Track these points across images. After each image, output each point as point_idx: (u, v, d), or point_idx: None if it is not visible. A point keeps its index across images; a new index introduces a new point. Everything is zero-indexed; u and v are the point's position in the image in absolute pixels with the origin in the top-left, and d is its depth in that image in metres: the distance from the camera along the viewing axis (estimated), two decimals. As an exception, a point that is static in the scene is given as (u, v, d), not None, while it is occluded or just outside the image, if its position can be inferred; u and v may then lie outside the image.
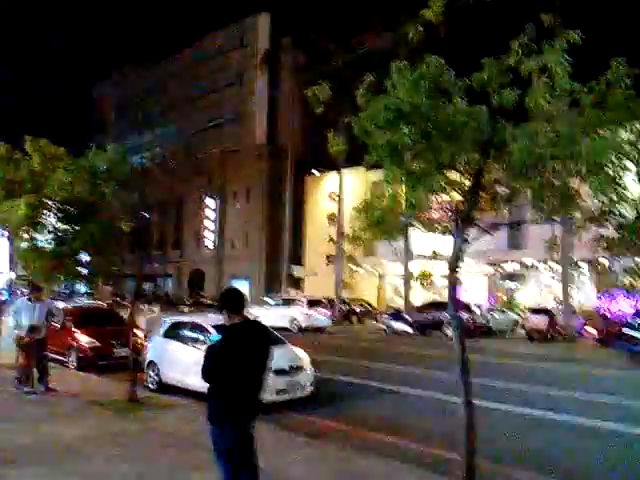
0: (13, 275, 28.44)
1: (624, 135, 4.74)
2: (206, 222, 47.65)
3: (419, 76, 4.55)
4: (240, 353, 3.84)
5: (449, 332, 20.24)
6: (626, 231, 4.68)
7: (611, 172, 4.73)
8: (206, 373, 3.88)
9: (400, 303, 29.33)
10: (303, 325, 23.80)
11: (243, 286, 43.53)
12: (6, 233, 16.78)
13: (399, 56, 5.54)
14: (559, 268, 23.72)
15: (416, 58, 5.04)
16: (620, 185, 4.76)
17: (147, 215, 51.90)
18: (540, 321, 21.50)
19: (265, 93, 44.31)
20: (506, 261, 29.01)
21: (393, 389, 10.91)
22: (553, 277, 26.88)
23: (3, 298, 12.85)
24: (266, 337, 4.20)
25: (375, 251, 32.47)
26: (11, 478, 5.16)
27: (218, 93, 52.14)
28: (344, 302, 30.67)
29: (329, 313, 25.77)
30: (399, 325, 24.31)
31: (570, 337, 21.50)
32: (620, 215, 4.74)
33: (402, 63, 4.69)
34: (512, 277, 29.97)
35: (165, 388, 9.90)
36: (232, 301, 4.01)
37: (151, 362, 10.51)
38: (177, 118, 56.70)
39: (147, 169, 50.31)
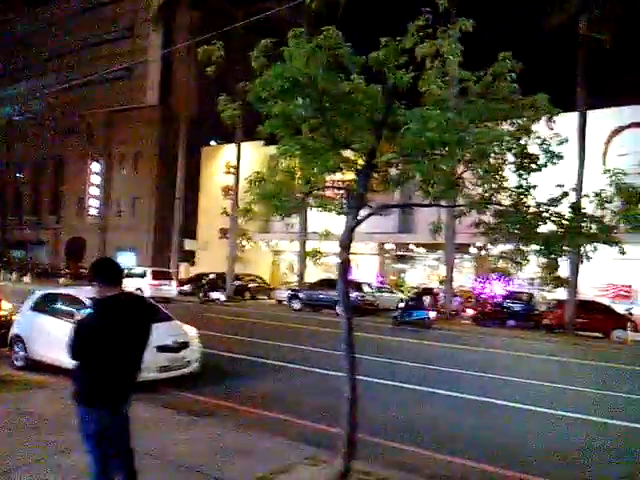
0: None
1: (506, 127, 5.01)
2: (89, 187, 44.34)
3: (315, 46, 4.42)
4: (113, 328, 3.53)
5: (340, 310, 20.87)
6: (503, 218, 4.96)
7: (493, 161, 4.99)
8: (73, 349, 3.53)
9: (294, 280, 29.64)
10: (148, 295, 23.26)
11: (129, 258, 41.40)
12: None
13: (298, 25, 5.38)
14: (443, 252, 25.26)
15: (315, 29, 4.92)
16: (500, 174, 5.04)
17: (18, 174, 47.39)
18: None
19: (158, 51, 41.64)
20: (397, 243, 30.39)
21: (282, 365, 10.98)
22: (438, 259, 28.66)
23: None
24: (146, 312, 3.92)
25: (271, 228, 32.40)
26: None
27: (107, 45, 48.12)
28: (237, 277, 30.33)
29: (174, 285, 27.22)
30: (293, 302, 24.89)
31: (449, 315, 23.09)
32: (499, 203, 5.02)
33: (299, 30, 4.53)
34: (401, 259, 31.53)
35: (33, 365, 9.12)
36: (105, 272, 3.68)
37: (18, 337, 9.62)
38: (60, 69, 51.67)
39: (19, 122, 45.59)
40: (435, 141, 4.45)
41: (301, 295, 24.99)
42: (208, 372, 9.55)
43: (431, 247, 28.06)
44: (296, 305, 24.75)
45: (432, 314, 19.87)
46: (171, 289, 26.39)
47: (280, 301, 27.19)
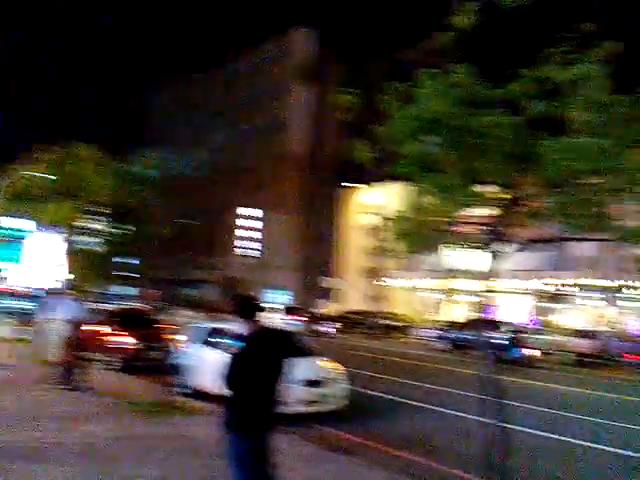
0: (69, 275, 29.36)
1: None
2: (242, 231, 48.27)
3: (449, 85, 4.48)
4: (255, 361, 3.82)
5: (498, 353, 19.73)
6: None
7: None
8: (225, 379, 3.88)
9: (436, 318, 28.85)
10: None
11: (279, 295, 43.80)
12: (59, 233, 17.48)
13: (431, 65, 5.48)
14: (603, 290, 22.79)
15: (447, 67, 4.97)
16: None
17: (190, 222, 53.18)
18: (586, 344, 20.67)
19: (305, 105, 44.75)
20: (550, 282, 28.10)
21: (424, 407, 10.67)
22: (602, 298, 25.85)
23: (45, 297, 13.34)
24: (284, 346, 4.16)
25: (411, 265, 32.12)
26: (41, 475, 5.27)
27: (260, 104, 52.98)
28: (375, 315, 30.39)
29: (301, 319, 30.00)
30: (436, 341, 24.18)
31: (610, 362, 20.55)
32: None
33: (433, 70, 4.63)
34: (555, 298, 29.01)
35: (197, 393, 9.98)
36: (245, 307, 4.01)
37: (184, 367, 10.62)
38: (218, 128, 57.85)
39: (188, 178, 51.46)
40: (583, 171, 4.19)
41: (445, 334, 24.16)
42: (352, 409, 9.61)
43: (588, 286, 25.43)
44: (440, 344, 23.96)
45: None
46: (299, 324, 28.67)
47: (423, 339, 26.54)
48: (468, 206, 5.08)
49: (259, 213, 47.94)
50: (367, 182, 34.93)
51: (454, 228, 5.62)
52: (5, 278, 26.43)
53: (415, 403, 10.97)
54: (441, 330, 25.27)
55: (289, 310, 31.45)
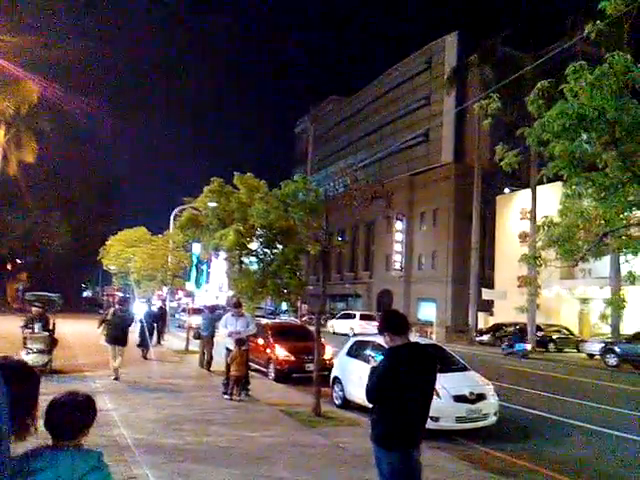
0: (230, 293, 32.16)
1: None
2: (394, 244, 48.29)
3: (600, 76, 4.10)
4: (401, 376, 3.80)
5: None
6: None
7: None
8: (368, 393, 3.93)
9: (607, 331, 25.92)
10: (357, 332, 29.78)
11: (430, 308, 42.92)
12: (223, 255, 19.44)
13: (584, 57, 5.07)
14: None
15: (601, 56, 4.56)
16: None
17: (339, 238, 54.90)
18: None
19: (452, 112, 43.77)
20: None
21: (591, 429, 9.66)
22: None
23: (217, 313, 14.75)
24: (431, 361, 4.10)
25: (576, 274, 29.37)
26: (208, 475, 5.82)
27: (406, 117, 53.14)
28: (539, 328, 28.17)
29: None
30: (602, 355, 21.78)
31: None
32: None
33: (578, 63, 4.28)
34: None
35: (349, 404, 10.22)
36: (394, 323, 4.02)
37: (336, 378, 10.95)
38: (368, 145, 59.12)
39: (335, 197, 53.26)
40: None
41: (617, 349, 21.54)
42: (505, 427, 9.08)
43: None
44: (612, 360, 21.42)
45: None
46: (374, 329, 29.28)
47: (591, 355, 23.98)
48: (633, 207, 4.56)
49: (412, 226, 47.69)
50: (523, 187, 32.93)
51: (618, 231, 5.08)
52: (194, 295, 29.78)
53: (576, 422, 9.98)
54: (608, 343, 22.67)
55: (364, 317, 33.73)
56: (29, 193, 39.43)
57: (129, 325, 12.65)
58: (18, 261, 51.71)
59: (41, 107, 31.39)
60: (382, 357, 4.15)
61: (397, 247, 48.25)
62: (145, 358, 16.26)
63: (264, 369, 14.18)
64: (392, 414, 3.81)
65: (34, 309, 12.25)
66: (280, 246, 17.98)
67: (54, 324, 12.06)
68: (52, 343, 11.68)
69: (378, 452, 3.89)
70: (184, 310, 35.11)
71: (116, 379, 11.59)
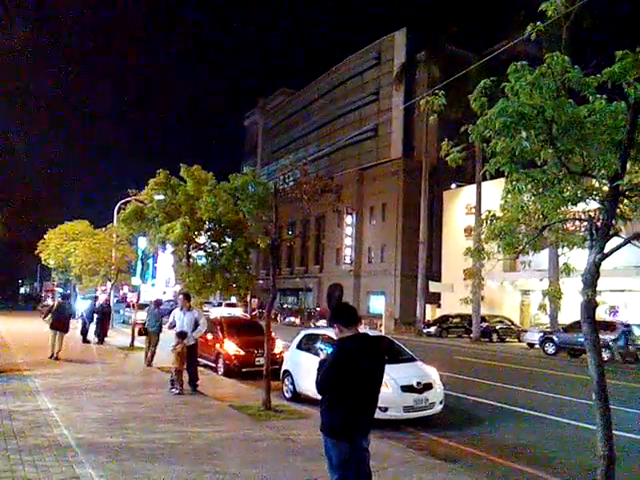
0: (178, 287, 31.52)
1: None
2: (344, 238, 48.71)
3: (539, 75, 4.28)
4: (349, 367, 3.86)
5: (605, 356, 18.27)
6: None
7: None
8: (318, 384, 3.97)
9: (546, 322, 27.21)
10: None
11: (379, 301, 43.63)
12: (170, 249, 19.04)
13: (525, 57, 5.25)
14: None
15: (541, 57, 4.75)
16: None
17: (289, 232, 54.90)
18: None
19: (401, 108, 44.49)
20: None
21: (531, 414, 10.13)
22: None
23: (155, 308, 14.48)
24: (380, 352, 4.17)
25: (517, 267, 30.58)
26: (154, 473, 5.71)
27: (356, 112, 53.55)
28: (483, 319, 29.23)
29: (241, 310, 37.10)
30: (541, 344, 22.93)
31: None
32: None
33: (519, 63, 4.45)
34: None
35: (299, 397, 10.27)
36: (344, 315, 4.07)
37: (286, 372, 10.98)
38: (317, 139, 59.22)
39: (285, 190, 53.21)
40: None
41: (555, 338, 22.68)
42: (451, 415, 9.38)
43: None
44: (550, 349, 22.56)
45: None
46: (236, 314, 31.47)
47: (531, 344, 25.13)
48: (568, 202, 4.79)
49: (361, 220, 48.20)
50: (469, 182, 33.94)
51: (555, 226, 5.33)
52: (139, 290, 28.98)
53: (517, 409, 10.45)
54: (546, 333, 23.83)
55: (229, 305, 37.71)
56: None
57: (70, 315, 15.88)
58: None
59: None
60: (330, 348, 4.20)
61: (347, 241, 48.69)
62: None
63: (213, 364, 14.02)
64: (340, 404, 3.87)
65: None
66: (229, 240, 17.84)
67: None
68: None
69: (327, 442, 3.94)
70: (129, 305, 34.23)
71: (54, 357, 13.96)
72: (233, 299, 36.80)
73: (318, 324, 35.62)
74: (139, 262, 29.60)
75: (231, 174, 14.25)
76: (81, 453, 6.15)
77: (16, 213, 48.25)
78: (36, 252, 30.08)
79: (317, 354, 10.15)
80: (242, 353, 13.53)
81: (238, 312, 34.64)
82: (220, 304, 39.09)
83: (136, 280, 29.11)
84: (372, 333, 10.52)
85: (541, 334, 24.05)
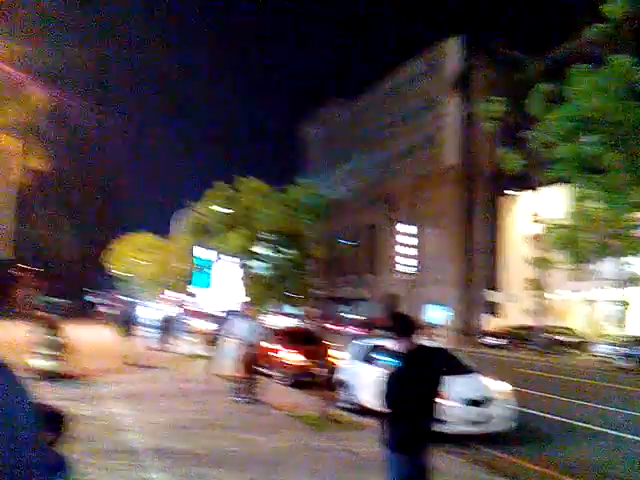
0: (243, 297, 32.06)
1: None
2: (399, 247, 48.23)
3: (603, 77, 4.15)
4: (413, 380, 3.84)
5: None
6: None
7: None
8: (385, 399, 3.95)
9: (615, 332, 25.82)
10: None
11: (437, 311, 42.86)
12: (228, 259, 19.67)
13: (586, 60, 5.11)
14: None
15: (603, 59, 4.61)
16: None
17: (345, 241, 55.00)
18: None
19: (456, 116, 43.85)
20: None
21: (604, 432, 9.63)
22: None
23: (225, 318, 14.94)
24: (440, 364, 4.14)
25: (584, 275, 29.30)
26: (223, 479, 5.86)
27: (410, 120, 53.17)
28: (546, 330, 28.08)
29: (298, 320, 31.79)
30: (618, 359, 21.62)
31: None
32: None
33: (581, 66, 4.34)
34: None
35: (357, 408, 10.23)
36: (404, 326, 4.05)
37: (344, 382, 10.97)
38: (372, 149, 59.22)
39: (341, 200, 53.44)
40: None
41: (628, 351, 21.43)
42: (517, 431, 9.07)
43: None
44: (623, 363, 21.33)
45: None
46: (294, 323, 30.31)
47: (600, 357, 23.88)
48: (636, 208, 4.59)
49: (416, 229, 47.71)
50: (531, 188, 32.85)
51: (625, 232, 5.11)
52: (201, 300, 29.92)
53: (587, 425, 9.95)
54: (624, 347, 22.49)
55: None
56: (38, 200, 39.74)
57: (135, 323, 16.95)
58: (27, 267, 52.24)
59: (46, 114, 31.61)
60: (395, 361, 4.17)
61: (402, 250, 48.15)
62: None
63: (271, 373, 14.22)
64: (403, 418, 3.85)
65: (43, 314, 12.40)
66: (287, 250, 18.12)
67: (63, 329, 12.17)
68: (61, 348, 11.79)
69: (390, 456, 3.92)
70: (189, 314, 35.27)
71: (123, 364, 14.40)
72: (291, 308, 37.18)
73: (374, 334, 35.46)
74: (198, 271, 30.48)
75: (286, 185, 14.55)
76: (150, 458, 6.41)
77: (87, 228, 51.00)
78: (103, 263, 31.65)
79: (376, 364, 10.11)
80: (299, 362, 13.66)
81: (295, 321, 34.95)
82: (278, 313, 39.58)
83: (195, 289, 30.01)
84: (431, 344, 10.37)
85: (612, 346, 22.81)
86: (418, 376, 3.85)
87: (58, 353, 11.52)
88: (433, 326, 38.45)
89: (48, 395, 6.03)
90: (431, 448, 3.97)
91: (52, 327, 11.87)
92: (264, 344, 13.97)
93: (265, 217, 14.88)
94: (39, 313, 12.77)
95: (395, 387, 3.88)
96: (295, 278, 17.32)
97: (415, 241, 47.56)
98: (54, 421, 1.93)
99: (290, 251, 17.55)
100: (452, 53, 48.44)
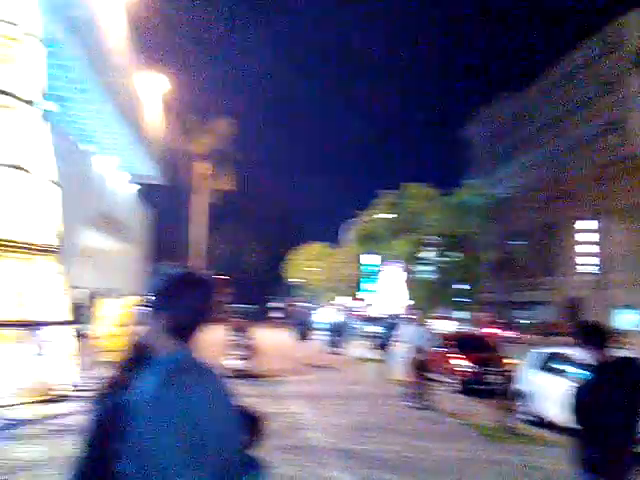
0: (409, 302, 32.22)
1: None
2: (580, 246, 43.90)
3: None
4: (609, 395, 3.54)
5: None
6: None
7: None
8: (574, 414, 3.70)
9: None
10: None
11: (628, 316, 38.03)
12: (394, 265, 19.96)
13: None
14: None
15: None
16: None
17: (518, 242, 51.76)
18: None
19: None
20: None
21: None
22: None
23: (394, 322, 15.14)
24: (638, 376, 3.74)
25: None
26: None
27: (587, 107, 48.42)
28: None
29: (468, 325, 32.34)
30: None
31: None
32: None
33: None
34: None
35: (537, 421, 9.63)
36: (596, 335, 3.75)
37: (522, 392, 10.39)
38: (544, 142, 55.02)
39: (512, 199, 50.33)
40: None
41: None
42: None
43: None
44: None
45: None
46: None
47: None
48: None
49: (599, 225, 43.04)
50: None
51: None
52: (368, 305, 30.90)
53: None
54: None
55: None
56: (224, 217, 44.54)
57: (311, 326, 19.15)
58: (223, 277, 58.75)
59: (230, 139, 35.38)
60: (584, 373, 3.88)
61: (583, 249, 43.77)
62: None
63: (442, 379, 14.01)
64: (599, 436, 3.57)
65: (235, 319, 13.90)
66: (453, 254, 17.77)
67: (251, 332, 13.47)
68: (250, 349, 13.07)
69: (582, 476, 3.66)
70: (362, 318, 36.31)
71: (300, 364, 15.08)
72: (459, 313, 36.07)
73: (555, 341, 32.66)
74: (365, 277, 31.27)
75: (452, 188, 14.28)
76: (330, 456, 6.80)
77: (262, 239, 55.48)
78: (279, 271, 34.33)
79: (559, 375, 9.39)
80: (471, 369, 13.26)
81: (464, 327, 33.81)
82: (445, 318, 38.72)
83: (361, 294, 30.88)
84: (626, 355, 9.32)
85: None
86: (614, 391, 3.55)
87: (248, 354, 12.79)
88: (623, 333, 34.16)
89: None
90: (632, 471, 3.61)
91: (242, 330, 13.21)
92: (434, 349, 13.89)
93: (430, 221, 14.81)
94: (231, 318, 14.29)
95: (587, 402, 3.61)
96: (462, 282, 16.89)
97: (598, 238, 42.86)
98: (251, 422, 2.02)
99: (457, 254, 17.18)
100: (631, 29, 43.05)
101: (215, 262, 50.45)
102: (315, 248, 31.24)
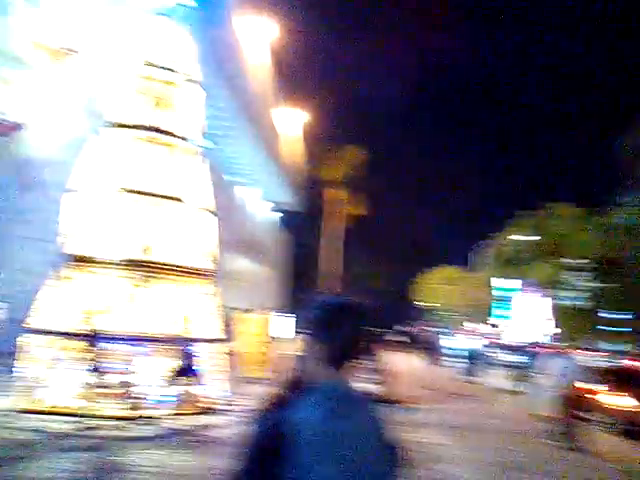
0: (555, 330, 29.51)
1: None
2: None
3: None
4: None
5: None
6: None
7: None
8: None
9: None
10: None
11: None
12: (540, 290, 18.63)
13: None
14: None
15: None
16: None
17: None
18: None
19: None
20: None
21: None
22: None
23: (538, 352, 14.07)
24: None
25: None
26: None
27: None
28: None
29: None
30: None
31: None
32: None
33: None
34: None
35: None
36: None
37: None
38: None
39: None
40: None
41: None
42: None
43: None
44: None
45: None
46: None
47: None
48: None
49: None
50: None
51: None
52: (502, 332, 29.28)
53: None
54: None
55: None
56: (356, 241, 45.23)
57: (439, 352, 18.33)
58: (375, 305, 59.60)
59: (362, 165, 36.10)
60: None
61: None
62: None
63: (594, 418, 12.66)
64: None
65: (367, 343, 13.98)
66: (605, 279, 16.12)
67: (382, 356, 13.37)
68: (386, 374, 12.96)
69: None
70: (499, 346, 34.44)
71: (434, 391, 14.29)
72: (614, 345, 32.51)
73: None
74: (497, 302, 29.73)
75: (606, 206, 13.12)
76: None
77: (392, 262, 55.30)
78: (408, 295, 33.92)
79: None
80: (632, 408, 11.88)
81: (621, 360, 30.31)
82: (594, 350, 35.06)
83: (494, 319, 29.30)
84: None
85: None
86: None
87: (380, 378, 12.72)
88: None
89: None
90: None
91: (374, 354, 13.20)
92: (583, 384, 12.66)
93: (578, 243, 13.70)
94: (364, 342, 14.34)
95: None
96: (619, 311, 15.34)
97: None
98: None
99: (609, 279, 15.71)
100: None
101: (347, 286, 51.12)
102: (445, 271, 30.49)
